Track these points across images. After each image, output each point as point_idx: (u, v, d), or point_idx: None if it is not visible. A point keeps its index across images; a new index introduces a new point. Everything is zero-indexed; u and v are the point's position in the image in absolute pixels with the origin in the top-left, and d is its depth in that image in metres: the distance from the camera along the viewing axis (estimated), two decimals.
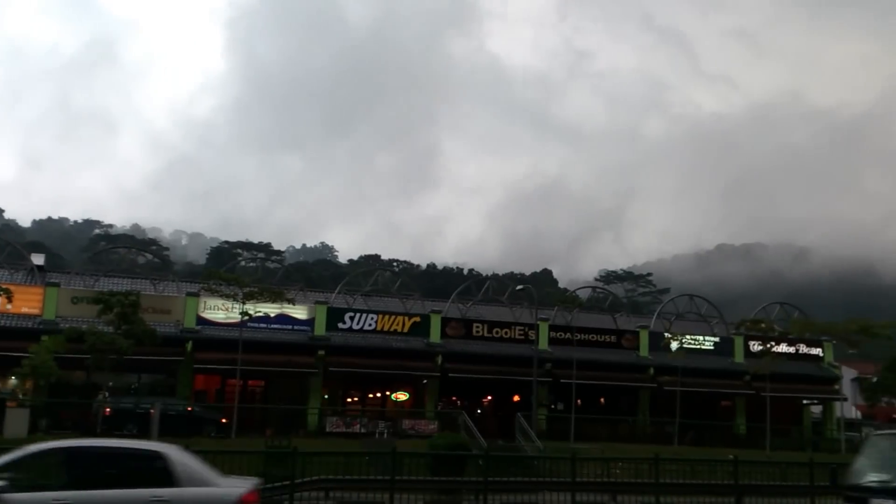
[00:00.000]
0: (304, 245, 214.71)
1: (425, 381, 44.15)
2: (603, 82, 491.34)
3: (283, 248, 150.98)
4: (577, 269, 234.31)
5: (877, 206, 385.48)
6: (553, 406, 45.87)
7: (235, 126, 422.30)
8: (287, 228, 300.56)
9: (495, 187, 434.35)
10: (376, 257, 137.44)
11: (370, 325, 43.93)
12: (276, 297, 38.14)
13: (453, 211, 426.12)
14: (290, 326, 42.25)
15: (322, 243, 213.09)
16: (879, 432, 14.60)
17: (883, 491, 12.55)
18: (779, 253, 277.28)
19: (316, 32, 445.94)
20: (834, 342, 52.60)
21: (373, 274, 53.55)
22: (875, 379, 68.96)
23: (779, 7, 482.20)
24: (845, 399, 53.05)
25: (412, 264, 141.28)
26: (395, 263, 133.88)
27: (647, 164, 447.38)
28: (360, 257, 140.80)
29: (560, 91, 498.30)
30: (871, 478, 13.01)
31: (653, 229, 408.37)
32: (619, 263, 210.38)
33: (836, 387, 51.88)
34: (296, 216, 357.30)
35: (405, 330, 44.39)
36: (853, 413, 71.08)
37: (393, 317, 44.76)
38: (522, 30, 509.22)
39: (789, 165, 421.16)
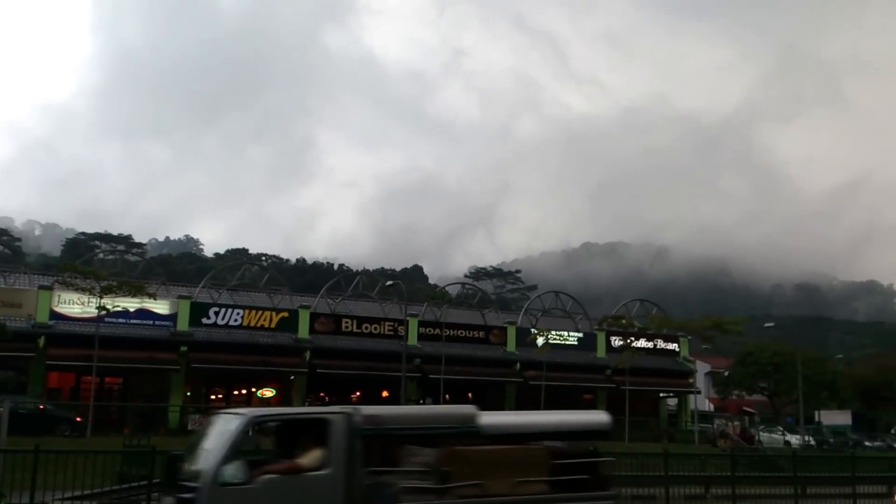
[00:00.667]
0: (167, 238, 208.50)
1: (292, 377, 43.79)
2: (477, 80, 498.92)
3: (144, 241, 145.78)
4: (449, 265, 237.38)
5: (733, 207, 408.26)
6: (421, 401, 46.33)
7: (97, 112, 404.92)
8: (150, 220, 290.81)
9: (369, 182, 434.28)
10: (244, 251, 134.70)
11: (236, 320, 43.14)
12: (136, 292, 36.73)
13: (326, 205, 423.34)
14: (150, 322, 40.98)
15: (187, 236, 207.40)
16: (223, 412, 11.85)
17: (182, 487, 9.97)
18: (641, 252, 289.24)
19: (186, 17, 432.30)
20: (689, 338, 55.40)
21: (240, 268, 52.61)
22: (726, 373, 73.26)
23: (644, 13, 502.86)
24: (699, 392, 55.94)
25: (281, 259, 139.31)
26: (263, 258, 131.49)
27: (520, 163, 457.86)
28: (227, 251, 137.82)
29: (435, 87, 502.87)
30: (191, 468, 10.31)
31: (523, 226, 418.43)
32: (490, 260, 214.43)
33: (691, 380, 54.60)
34: (160, 207, 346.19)
35: (272, 325, 43.87)
36: (706, 405, 75.13)
37: (260, 312, 44.14)
38: (399, 25, 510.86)
39: (654, 167, 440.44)
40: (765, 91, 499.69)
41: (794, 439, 56.75)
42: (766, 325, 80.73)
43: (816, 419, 72.84)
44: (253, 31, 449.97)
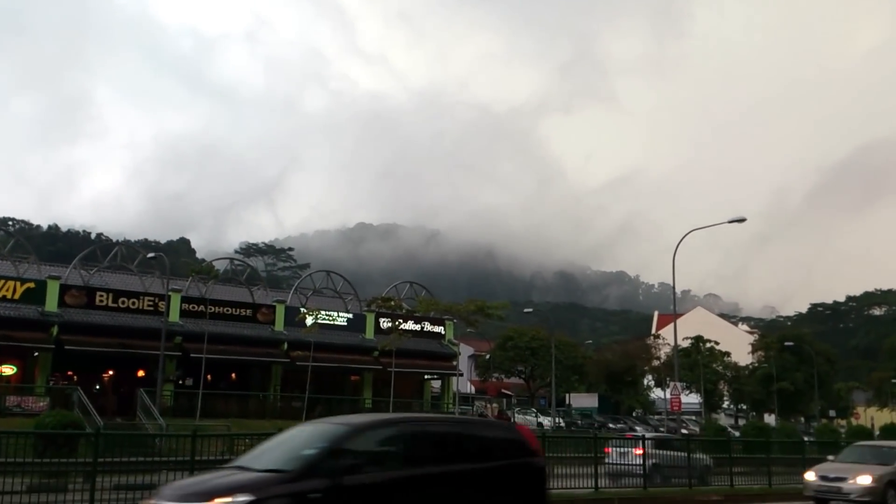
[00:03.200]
0: None
1: (36, 354, 40.61)
2: (264, 48, 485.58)
3: None
4: (221, 239, 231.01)
5: (509, 195, 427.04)
6: (181, 381, 44.65)
7: None
8: None
9: (142, 145, 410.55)
10: None
11: None
12: None
13: (90, 167, 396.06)
14: None
15: None
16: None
17: None
18: (416, 234, 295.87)
19: None
20: (455, 321, 57.20)
21: None
22: (488, 356, 76.65)
23: None
24: (461, 374, 58.00)
25: (31, 224, 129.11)
26: (10, 222, 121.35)
27: (304, 137, 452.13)
28: None
29: (219, 51, 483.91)
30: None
31: (302, 203, 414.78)
32: (265, 236, 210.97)
33: (455, 363, 56.38)
34: None
35: (16, 297, 40.40)
36: (468, 388, 78.26)
37: (2, 282, 40.50)
38: None
39: (438, 151, 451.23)
40: (549, 85, 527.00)
41: (546, 421, 60.49)
42: (526, 310, 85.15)
43: (567, 402, 77.99)
44: None
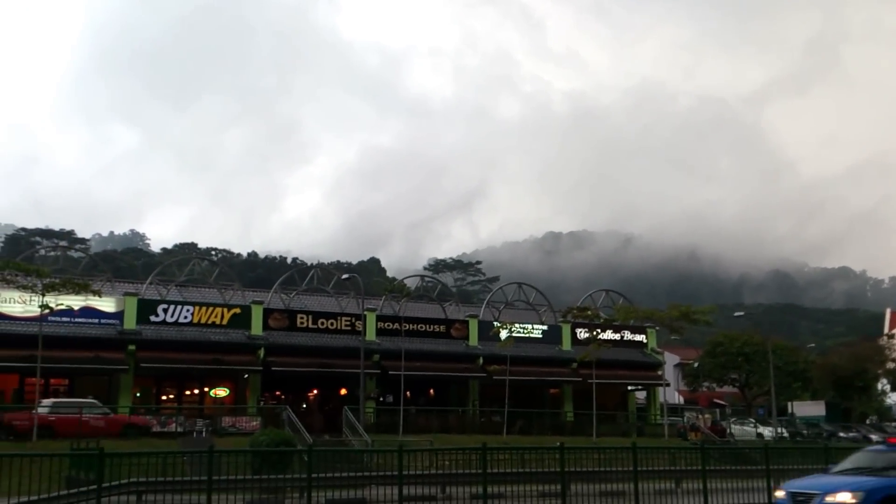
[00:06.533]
0: (111, 233, 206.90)
1: (246, 376, 43.93)
2: (448, 56, 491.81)
3: (87, 236, 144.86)
4: (412, 254, 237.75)
5: (719, 192, 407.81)
6: (382, 398, 46.72)
7: (64, 95, 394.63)
8: (98, 213, 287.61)
9: (336, 167, 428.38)
10: (192, 245, 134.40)
11: (186, 317, 43.12)
12: (80, 289, 36.58)
13: (286, 192, 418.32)
14: (96, 320, 40.84)
15: (132, 231, 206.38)
16: None
17: None
18: (610, 239, 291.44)
19: None
20: (657, 328, 56.33)
21: (188, 263, 52.37)
22: (696, 364, 74.59)
23: None
24: (668, 384, 56.96)
25: (232, 253, 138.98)
26: (213, 252, 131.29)
27: (498, 145, 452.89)
28: (175, 245, 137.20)
29: (406, 65, 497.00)
30: None
31: (498, 213, 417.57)
32: (456, 249, 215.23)
33: (660, 373, 55.52)
34: (113, 199, 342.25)
35: (224, 322, 43.90)
36: (676, 398, 76.51)
37: (211, 308, 44.13)
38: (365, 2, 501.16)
39: (642, 150, 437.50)
40: (772, 70, 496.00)
41: (767, 431, 58.08)
42: (736, 314, 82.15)
43: (789, 410, 74.52)
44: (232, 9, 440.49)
